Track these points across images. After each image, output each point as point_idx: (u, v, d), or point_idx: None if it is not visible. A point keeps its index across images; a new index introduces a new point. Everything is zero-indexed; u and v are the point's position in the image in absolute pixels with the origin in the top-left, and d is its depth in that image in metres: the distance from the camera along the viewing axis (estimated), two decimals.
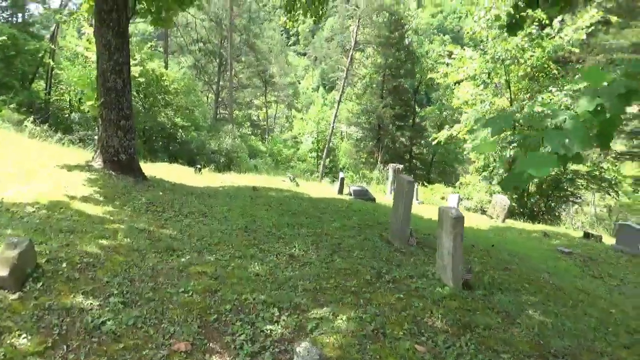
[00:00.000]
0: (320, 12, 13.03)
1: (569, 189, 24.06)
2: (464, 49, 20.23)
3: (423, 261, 5.94)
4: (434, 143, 21.78)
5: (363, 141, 37.13)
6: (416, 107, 36.91)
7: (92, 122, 20.28)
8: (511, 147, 18.14)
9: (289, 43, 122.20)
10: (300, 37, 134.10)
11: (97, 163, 9.10)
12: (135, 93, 26.46)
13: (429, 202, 18.84)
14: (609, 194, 24.69)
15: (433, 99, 38.71)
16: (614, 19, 16.46)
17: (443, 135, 20.91)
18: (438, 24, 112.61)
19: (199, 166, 21.13)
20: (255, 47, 39.84)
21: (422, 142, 36.77)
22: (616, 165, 25.59)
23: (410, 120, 36.27)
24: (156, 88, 26.26)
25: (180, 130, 27.99)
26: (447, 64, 20.14)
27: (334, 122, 35.57)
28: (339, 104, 35.68)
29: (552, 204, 23.15)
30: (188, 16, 37.48)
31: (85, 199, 6.63)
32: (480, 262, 6.41)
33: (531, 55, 17.70)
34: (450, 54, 20.01)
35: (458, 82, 21.33)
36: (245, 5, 38.86)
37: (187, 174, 15.99)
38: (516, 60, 18.19)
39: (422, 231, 7.99)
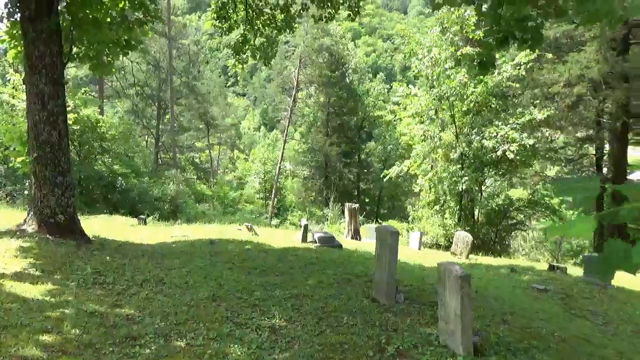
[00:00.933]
0: (270, 53, 12.62)
1: (516, 218, 24.66)
2: (409, 87, 20.56)
3: (419, 322, 5.33)
4: (385, 179, 21.64)
5: (311, 179, 36.83)
6: (361, 143, 37.22)
7: (21, 176, 18.54)
8: (463, 181, 18.35)
9: (228, 84, 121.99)
10: (239, 77, 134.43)
11: (31, 227, 7.92)
12: (69, 142, 24.76)
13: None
14: (553, 220, 25.55)
15: (376, 135, 39.28)
16: (549, 55, 17.26)
17: (394, 171, 20.90)
18: (372, 62, 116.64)
19: (143, 216, 19.79)
20: (195, 90, 38.99)
21: (369, 177, 36.99)
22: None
23: (356, 157, 36.46)
24: (92, 135, 24.71)
25: (119, 178, 26.35)
26: (398, 103, 20.34)
27: (280, 162, 35.05)
28: (284, 144, 35.30)
29: (503, 234, 23.56)
30: (124, 59, 36.23)
31: (18, 276, 5.55)
32: (475, 316, 5.88)
33: (472, 92, 18.16)
34: (395, 92, 20.24)
35: (400, 119, 21.56)
36: (183, 47, 38.14)
37: (131, 227, 14.74)
38: (460, 97, 18.60)
39: (400, 280, 7.42)
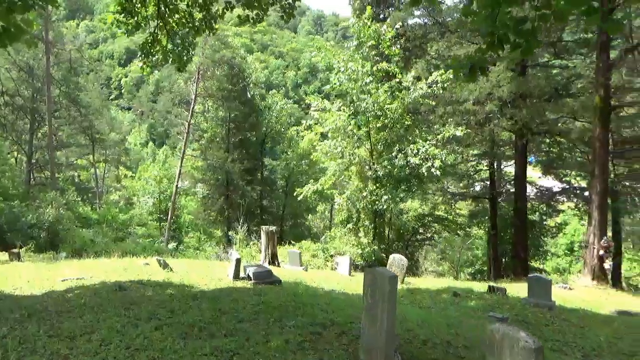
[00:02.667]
0: (185, 57, 10.78)
1: (425, 234, 24.91)
2: (323, 101, 19.68)
3: None
4: (299, 198, 20.43)
5: (210, 198, 34.36)
6: (264, 160, 35.77)
7: None
8: (384, 200, 17.77)
9: (111, 97, 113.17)
10: (123, 90, 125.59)
11: None
12: None
13: (312, 264, 17.16)
14: (458, 234, 26.27)
15: (278, 151, 38.09)
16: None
17: (309, 190, 19.76)
18: (265, 78, 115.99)
19: (15, 250, 16.31)
20: (78, 101, 34.59)
21: (272, 195, 35.60)
22: (452, 206, 27.57)
23: (259, 174, 34.89)
24: None
25: None
26: (317, 120, 19.29)
27: (177, 181, 32.22)
28: (182, 161, 32.56)
29: (412, 250, 23.56)
30: None
31: None
32: None
33: (387, 108, 17.76)
34: (318, 106, 19.21)
35: (315, 133, 20.61)
36: (63, 54, 33.70)
37: (1, 266, 11.76)
38: (375, 113, 18.09)
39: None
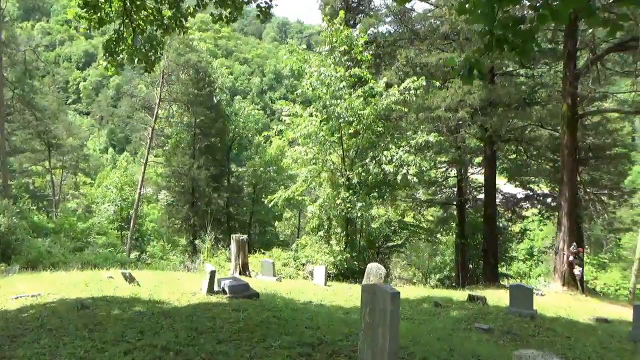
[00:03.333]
0: (153, 57, 10.13)
1: (395, 241, 24.76)
2: (294, 106, 19.24)
3: None
4: (270, 205, 19.87)
5: (175, 206, 33.15)
6: (231, 166, 34.92)
7: None
8: (358, 207, 17.43)
9: (68, 101, 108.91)
10: (81, 95, 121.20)
11: None
12: None
13: (283, 273, 16.57)
14: (429, 240, 26.28)
15: (245, 157, 37.29)
16: (437, 82, 17.43)
17: (280, 196, 19.24)
18: (230, 84, 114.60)
19: None
20: (33, 104, 32.78)
21: (239, 202, 34.76)
22: (420, 214, 27.64)
23: (226, 181, 34.01)
24: None
25: None
26: (286, 123, 18.79)
27: (140, 188, 30.96)
28: (145, 167, 31.34)
29: (382, 257, 23.31)
30: None
31: None
32: None
33: (360, 114, 17.49)
34: (291, 111, 18.73)
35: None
36: (17, 55, 31.91)
37: None
38: (348, 118, 17.79)
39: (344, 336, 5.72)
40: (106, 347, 5.15)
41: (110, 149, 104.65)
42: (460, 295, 11.99)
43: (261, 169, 34.27)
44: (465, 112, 17.24)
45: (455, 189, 26.33)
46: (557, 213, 17.54)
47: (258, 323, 6.25)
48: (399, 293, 4.37)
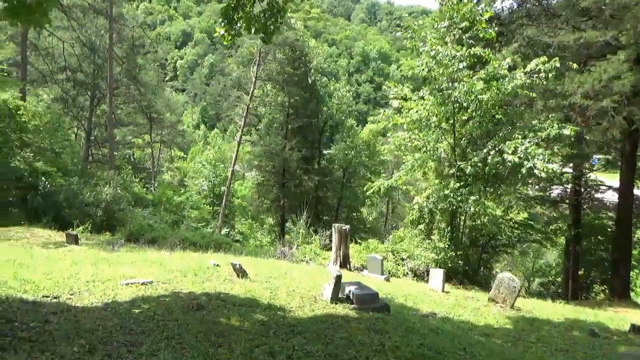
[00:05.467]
0: (272, 26, 9.05)
1: (502, 240, 22.46)
2: (403, 88, 17.58)
3: None
4: (368, 193, 18.61)
5: (265, 185, 32.97)
6: (322, 148, 34.07)
7: None
8: (471, 201, 15.66)
9: (166, 78, 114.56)
10: (178, 72, 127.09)
11: None
12: None
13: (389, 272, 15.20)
14: (541, 243, 23.71)
15: (336, 140, 36.24)
16: (574, 65, 14.97)
17: (382, 184, 17.84)
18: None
19: (73, 232, 15.32)
20: (139, 79, 33.92)
21: (328, 186, 33.85)
22: (527, 211, 24.91)
23: (316, 163, 33.24)
24: (9, 125, 19.75)
25: (42, 177, 21.35)
26: (400, 108, 17.26)
27: (233, 166, 31.02)
28: (239, 145, 31.31)
29: (487, 258, 21.20)
30: (53, 39, 30.67)
31: None
32: None
33: (480, 98, 15.47)
34: (399, 92, 17.18)
35: (395, 124, 18.48)
36: (125, 31, 32.99)
37: (57, 251, 10.55)
38: (464, 103, 15.89)
39: None
40: None
41: (202, 126, 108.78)
42: (607, 317, 9.97)
43: (352, 153, 33.08)
44: (612, 101, 14.65)
45: (569, 187, 23.39)
46: None
47: (410, 358, 4.96)
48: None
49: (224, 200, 30.95)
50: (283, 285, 8.13)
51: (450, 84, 15.58)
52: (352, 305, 6.88)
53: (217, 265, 9.55)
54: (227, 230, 31.72)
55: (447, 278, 15.21)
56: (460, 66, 15.17)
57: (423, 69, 15.79)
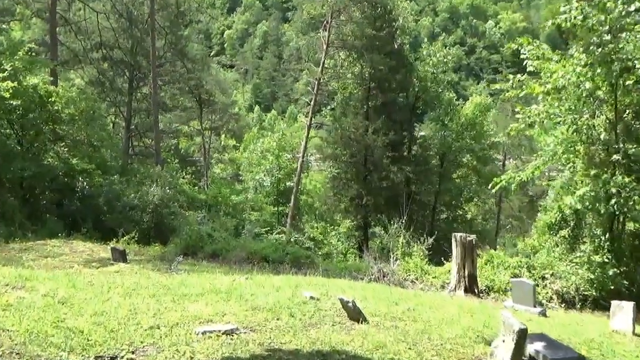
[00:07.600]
0: None
1: None
2: (541, 46, 15.68)
3: None
4: (493, 190, 16.91)
5: (342, 180, 31.71)
6: (414, 131, 32.34)
7: None
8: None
9: (212, 53, 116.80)
10: (226, 45, 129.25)
11: None
12: (5, 123, 20.00)
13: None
14: None
15: (430, 119, 34.30)
16: None
17: (513, 178, 16.07)
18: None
19: (118, 247, 14.90)
20: (186, 54, 33.79)
21: (422, 178, 32.00)
22: None
23: (406, 150, 31.61)
24: (41, 115, 19.91)
25: (80, 177, 21.48)
26: (533, 70, 15.46)
27: (303, 156, 30.13)
28: (308, 130, 30.36)
29: None
30: (85, 11, 31.13)
31: None
32: None
33: None
34: (534, 53, 15.34)
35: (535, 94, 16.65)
36: None
37: (100, 274, 9.87)
38: (630, 63, 13.86)
39: None
40: None
41: (256, 107, 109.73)
42: None
43: (453, 135, 31.16)
44: None
45: None
46: None
47: None
48: None
49: (292, 199, 30.11)
50: (419, 334, 6.81)
51: (613, 36, 13.63)
52: None
53: (315, 298, 8.42)
54: (297, 236, 30.93)
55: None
56: (631, 9, 13.21)
57: (575, 17, 13.90)
